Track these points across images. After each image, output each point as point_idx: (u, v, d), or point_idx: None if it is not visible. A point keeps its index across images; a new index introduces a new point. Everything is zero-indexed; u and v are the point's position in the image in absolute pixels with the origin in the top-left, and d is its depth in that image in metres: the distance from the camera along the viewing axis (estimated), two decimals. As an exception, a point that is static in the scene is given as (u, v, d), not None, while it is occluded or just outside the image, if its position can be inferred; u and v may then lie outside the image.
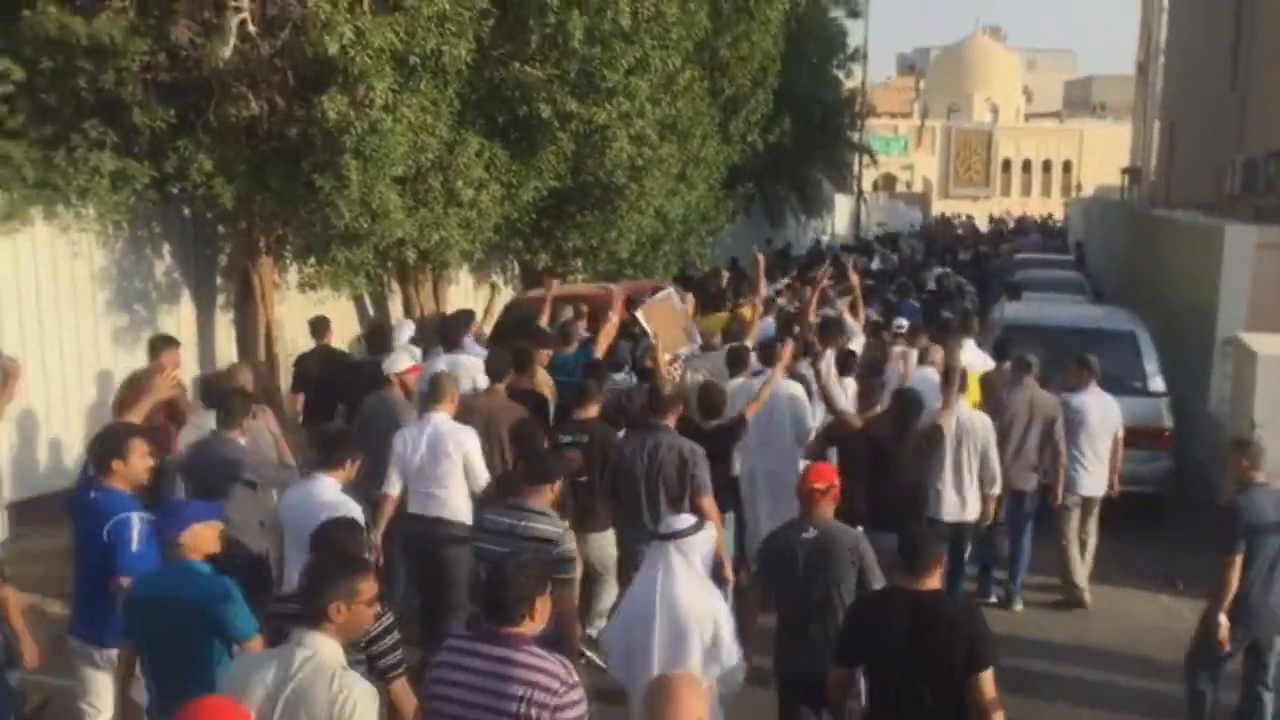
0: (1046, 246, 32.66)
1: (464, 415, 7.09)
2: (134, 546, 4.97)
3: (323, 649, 3.59)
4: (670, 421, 6.95)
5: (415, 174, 10.16)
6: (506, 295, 14.42)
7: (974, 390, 9.05)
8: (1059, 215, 54.77)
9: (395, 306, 13.18)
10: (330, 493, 5.54)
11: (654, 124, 13.14)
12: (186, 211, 10.48)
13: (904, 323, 11.73)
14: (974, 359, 9.76)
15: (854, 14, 27.92)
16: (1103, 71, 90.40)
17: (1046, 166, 74.13)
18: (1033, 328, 11.24)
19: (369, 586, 3.74)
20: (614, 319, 9.53)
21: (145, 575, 4.62)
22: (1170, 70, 28.14)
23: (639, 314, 9.55)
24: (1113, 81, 77.65)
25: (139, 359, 9.87)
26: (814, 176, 27.72)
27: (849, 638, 4.80)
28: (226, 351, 10.78)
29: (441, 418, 6.83)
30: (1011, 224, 47.28)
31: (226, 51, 8.86)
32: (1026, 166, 74.18)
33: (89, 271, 9.60)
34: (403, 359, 7.98)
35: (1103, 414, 8.90)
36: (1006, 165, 73.53)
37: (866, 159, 34.75)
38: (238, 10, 8.86)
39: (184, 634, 4.33)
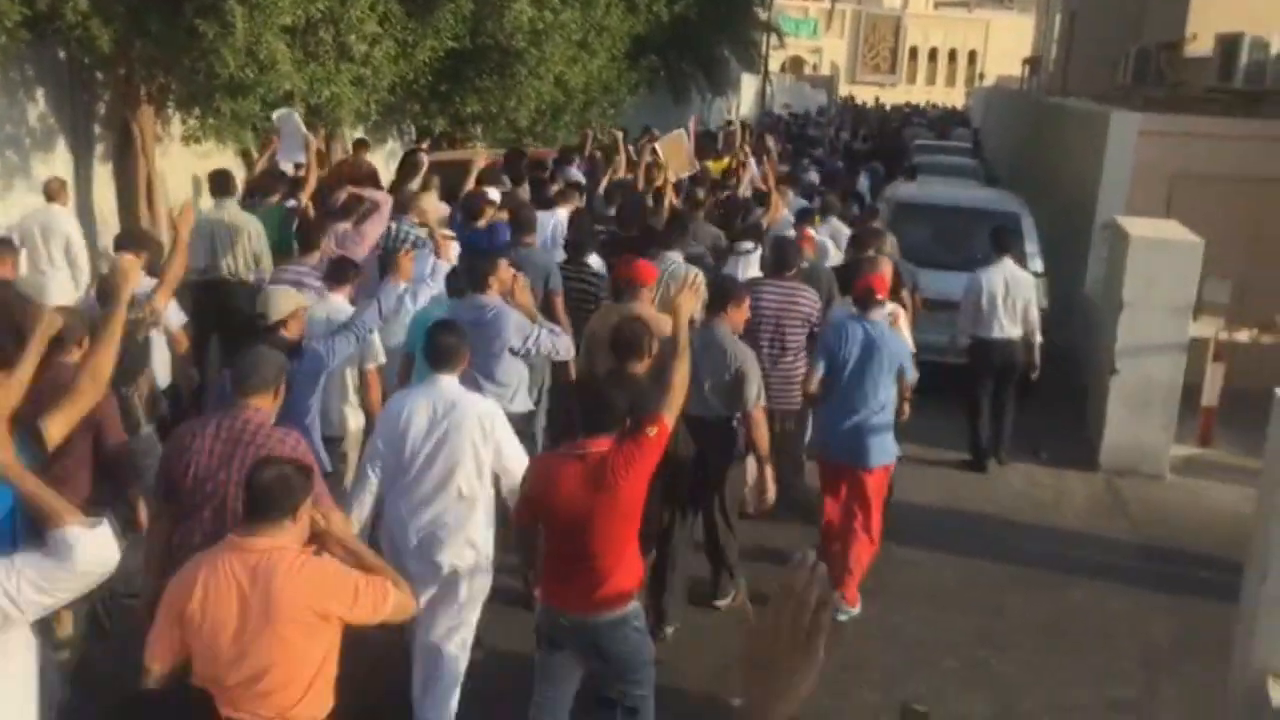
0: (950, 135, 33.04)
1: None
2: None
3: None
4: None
5: (305, 25, 9.83)
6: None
7: None
8: (961, 104, 55.20)
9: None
10: None
11: (555, -13, 12.88)
12: (62, 55, 10.02)
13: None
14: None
15: (766, -114, 27.39)
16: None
17: (953, 56, 74.38)
18: (922, 206, 11.46)
19: None
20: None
21: None
22: (1074, -39, 28.30)
23: (656, 145, 12.03)
24: (1021, -28, 77.69)
25: (11, 205, 9.57)
26: (721, 54, 27.37)
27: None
28: (105, 203, 10.46)
29: None
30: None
31: (102, -117, 8.41)
32: (933, 55, 74.35)
33: (-44, 114, 9.18)
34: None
35: None
36: (914, 53, 73.64)
37: (775, 40, 34.46)
38: None
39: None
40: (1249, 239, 11.26)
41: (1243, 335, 9.48)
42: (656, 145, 12.27)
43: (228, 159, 11.13)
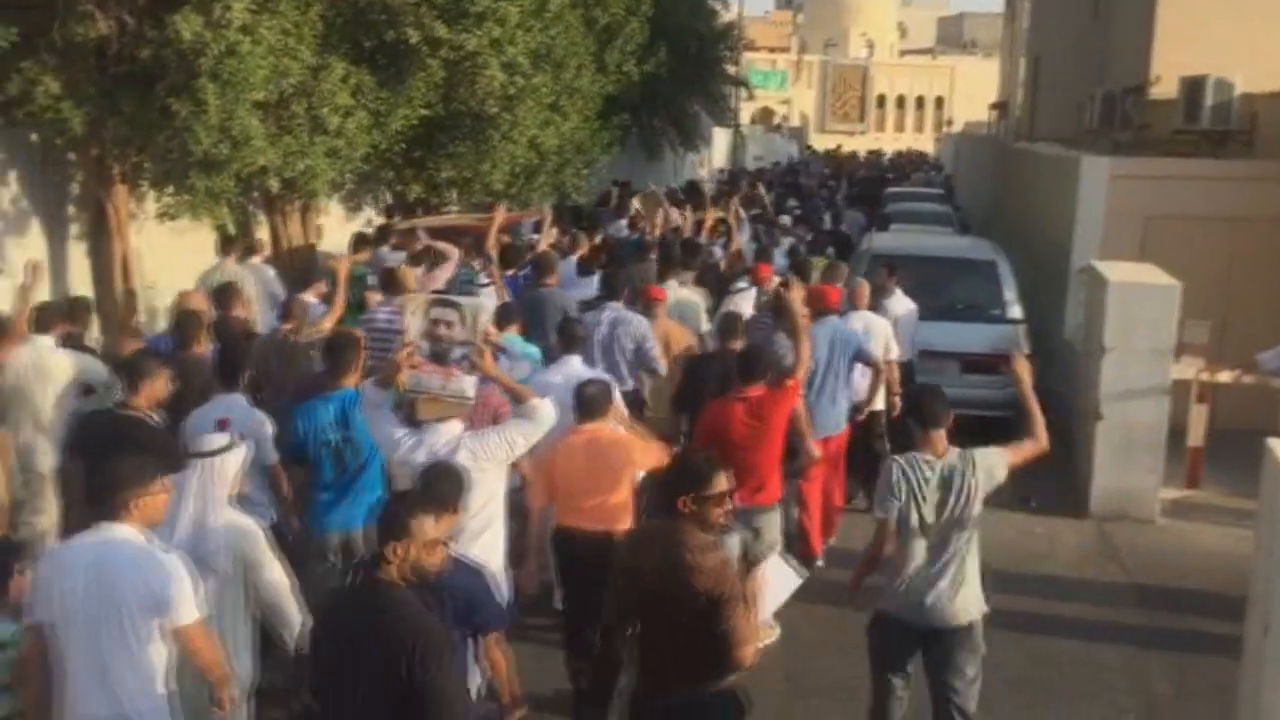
0: (929, 182, 33.37)
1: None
2: None
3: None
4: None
5: (278, 100, 9.82)
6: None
7: None
8: (930, 149, 55.79)
9: (263, 238, 12.82)
10: None
11: (526, 52, 12.90)
12: (34, 137, 9.99)
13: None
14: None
15: (730, -55, 27.75)
16: (974, 8, 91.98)
17: (920, 102, 75.35)
18: (898, 256, 11.49)
19: None
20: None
21: None
22: (1037, 7, 28.75)
23: (634, 200, 14.87)
24: (983, 19, 79.11)
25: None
26: (691, 109, 27.60)
27: None
28: (81, 284, 10.38)
29: None
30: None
31: (70, -33, 8.42)
32: (900, 102, 75.30)
33: (-71, 201, 9.11)
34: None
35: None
36: (881, 101, 74.55)
37: (744, 93, 34.78)
38: (82, -77, 8.41)
39: None
40: (1223, 279, 11.35)
41: (1224, 376, 9.50)
42: (634, 200, 14.34)
43: (204, 235, 11.10)
